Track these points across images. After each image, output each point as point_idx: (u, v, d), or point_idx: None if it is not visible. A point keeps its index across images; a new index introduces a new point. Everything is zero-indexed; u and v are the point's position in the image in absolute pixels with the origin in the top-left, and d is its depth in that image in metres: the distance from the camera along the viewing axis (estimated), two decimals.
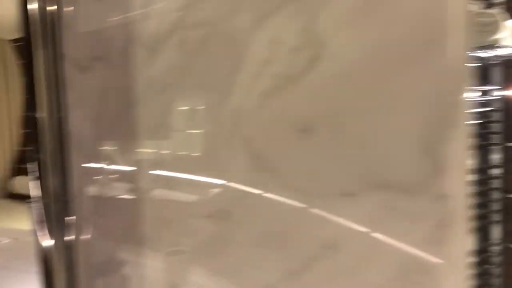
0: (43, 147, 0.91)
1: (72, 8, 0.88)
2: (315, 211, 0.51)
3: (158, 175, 0.75)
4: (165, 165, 0.74)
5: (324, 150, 0.49)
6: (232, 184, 0.61)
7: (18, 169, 4.66)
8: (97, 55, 0.85)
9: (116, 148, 0.86)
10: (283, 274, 0.55)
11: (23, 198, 4.29)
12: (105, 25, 0.84)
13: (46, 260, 0.92)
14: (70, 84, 0.91)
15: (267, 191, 0.56)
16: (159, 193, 0.76)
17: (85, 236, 0.92)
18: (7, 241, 3.45)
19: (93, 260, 0.92)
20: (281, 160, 0.54)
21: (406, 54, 0.42)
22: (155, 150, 0.75)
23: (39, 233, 0.93)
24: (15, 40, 4.44)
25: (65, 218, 0.93)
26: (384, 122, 0.44)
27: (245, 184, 0.59)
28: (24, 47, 0.92)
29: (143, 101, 0.76)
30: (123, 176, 0.86)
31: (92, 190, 0.94)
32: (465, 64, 0.40)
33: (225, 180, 0.62)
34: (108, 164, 0.89)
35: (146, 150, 0.78)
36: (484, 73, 1.76)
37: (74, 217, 0.92)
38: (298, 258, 0.53)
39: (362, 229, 0.47)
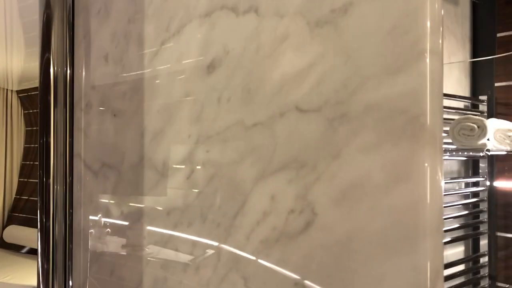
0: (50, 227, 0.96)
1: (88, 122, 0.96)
2: None
3: None
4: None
5: None
6: None
7: (11, 217, 4.65)
8: (109, 164, 0.92)
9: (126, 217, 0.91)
10: None
11: (12, 247, 4.26)
12: (118, 137, 0.91)
13: None
14: (81, 178, 0.97)
15: None
16: None
17: None
18: None
19: None
20: None
21: (387, 243, 0.48)
22: (157, 270, 0.80)
23: None
24: (22, 91, 4.58)
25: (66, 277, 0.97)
26: None
27: None
28: (41, 111, 0.99)
29: (149, 220, 0.82)
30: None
31: (96, 245, 0.97)
32: (441, 258, 0.46)
33: None
34: (117, 220, 0.93)
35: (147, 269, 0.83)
36: (472, 165, 1.85)
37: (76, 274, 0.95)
38: None
39: None
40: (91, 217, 0.96)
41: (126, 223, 0.87)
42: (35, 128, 4.59)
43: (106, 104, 0.95)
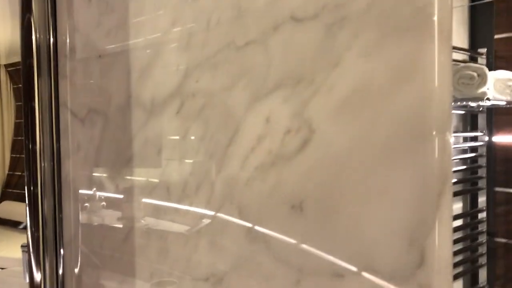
0: (37, 176, 0.92)
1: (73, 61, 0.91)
2: None
3: (149, 230, 0.77)
4: (157, 226, 0.76)
5: (314, 229, 0.51)
6: (225, 253, 0.63)
7: (5, 193, 4.61)
8: (95, 108, 0.88)
9: (111, 189, 0.88)
10: None
11: (8, 223, 4.23)
12: (104, 80, 0.86)
13: None
14: (68, 128, 0.93)
15: (259, 263, 0.57)
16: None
17: (75, 268, 0.92)
18: None
19: None
20: (274, 234, 0.56)
21: (393, 149, 0.44)
22: (148, 212, 0.76)
23: (30, 266, 0.93)
24: (10, 65, 4.47)
25: (57, 249, 0.93)
26: (372, 210, 0.46)
27: (237, 254, 0.60)
28: (24, 75, 0.94)
29: (138, 159, 0.78)
30: (115, 209, 0.87)
31: (84, 219, 0.94)
32: (450, 160, 0.42)
33: (218, 248, 0.64)
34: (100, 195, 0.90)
35: (138, 211, 0.79)
36: (471, 120, 1.82)
37: (64, 249, 0.92)
38: None
39: None
40: (79, 167, 0.93)
41: (115, 168, 0.83)
42: None
43: (90, 46, 0.90)
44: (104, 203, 0.89)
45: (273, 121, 0.55)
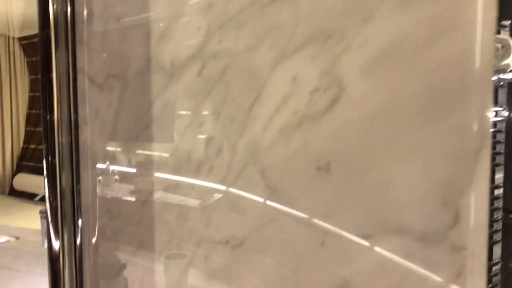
0: (55, 147, 0.92)
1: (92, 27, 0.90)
2: (331, 249, 0.52)
3: (166, 197, 0.76)
4: (176, 189, 0.75)
5: (341, 189, 0.50)
6: (247, 215, 0.62)
7: (20, 166, 4.68)
8: (114, 74, 0.87)
9: (128, 159, 0.87)
10: None
11: (23, 195, 4.31)
12: (123, 44, 0.85)
13: (54, 261, 0.93)
14: (87, 96, 0.92)
15: (282, 225, 0.57)
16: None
17: (92, 238, 0.93)
18: (6, 239, 3.46)
19: (99, 262, 0.93)
20: (298, 196, 0.55)
21: (427, 105, 0.43)
22: (168, 174, 0.76)
23: (48, 234, 0.93)
24: (23, 38, 4.47)
25: (75, 219, 0.94)
26: (402, 170, 0.45)
27: (259, 216, 0.60)
28: (41, 46, 0.93)
29: (157, 124, 0.77)
30: (130, 180, 0.87)
31: (101, 192, 0.95)
32: (488, 119, 0.41)
33: (239, 210, 0.63)
34: (116, 168, 0.90)
35: (157, 174, 0.79)
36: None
37: (82, 219, 0.93)
38: None
39: (377, 271, 0.48)
40: (96, 135, 0.92)
41: (134, 134, 0.82)
42: (39, 76, 4.52)
43: (108, 11, 0.88)
44: (121, 170, 0.89)
45: (300, 80, 0.54)
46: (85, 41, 0.93)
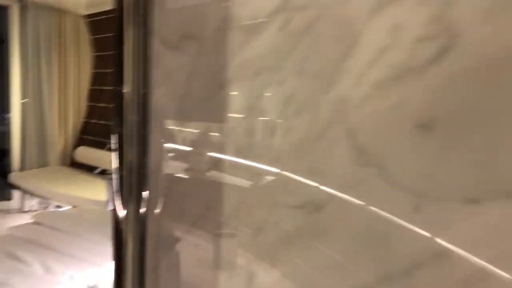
0: (125, 121, 0.92)
1: None
2: (427, 214, 0.47)
3: (236, 162, 0.74)
4: (248, 152, 0.73)
5: (447, 149, 0.45)
6: (328, 178, 0.58)
7: (81, 139, 4.89)
8: (189, 34, 0.85)
9: (198, 130, 0.86)
10: (377, 277, 0.52)
11: (83, 167, 4.50)
12: (199, 2, 0.83)
13: (118, 229, 0.94)
14: (158, 61, 0.91)
15: (370, 188, 0.53)
16: (231, 179, 0.75)
17: (155, 210, 0.93)
18: (68, 207, 3.63)
19: (160, 233, 0.93)
20: (391, 157, 0.50)
21: None
22: (240, 137, 0.73)
23: (113, 204, 0.94)
24: (89, 16, 4.63)
25: (140, 191, 0.94)
26: None
27: (344, 179, 0.56)
28: (116, 21, 0.93)
29: (234, 84, 0.75)
30: (200, 159, 0.85)
31: (167, 167, 0.94)
32: None
33: (319, 173, 0.60)
34: (185, 145, 0.89)
35: (229, 135, 0.77)
36: None
37: (148, 192, 0.92)
38: (399, 262, 0.50)
39: (484, 240, 0.43)
40: (167, 99, 0.91)
41: (208, 90, 0.80)
42: (102, 53, 4.67)
43: None
44: (191, 139, 0.88)
45: (403, 28, 0.49)
46: (158, 2, 0.92)
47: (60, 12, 4.56)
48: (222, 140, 0.79)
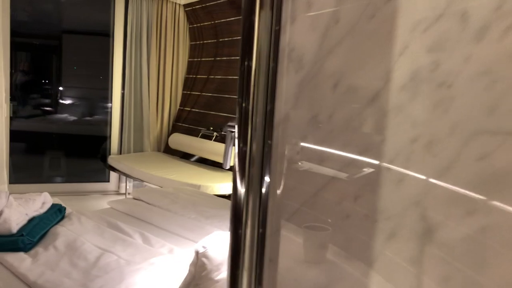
0: (252, 102, 0.85)
1: None
2: None
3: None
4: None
5: None
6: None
7: (175, 126, 5.05)
8: None
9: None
10: None
11: (176, 153, 4.65)
12: None
13: (238, 206, 0.89)
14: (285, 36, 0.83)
15: None
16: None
17: (278, 190, 0.86)
18: (163, 188, 3.74)
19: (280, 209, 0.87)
20: None
21: None
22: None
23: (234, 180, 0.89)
24: (188, 5, 4.74)
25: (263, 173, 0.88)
26: None
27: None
28: (245, 6, 0.86)
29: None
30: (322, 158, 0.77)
31: (288, 154, 0.87)
32: None
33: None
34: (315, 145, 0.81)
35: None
36: None
37: (268, 175, 0.86)
38: None
39: None
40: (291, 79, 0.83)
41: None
42: (198, 42, 4.77)
43: None
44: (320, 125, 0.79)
45: None
46: None
47: (161, 0, 4.72)
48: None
